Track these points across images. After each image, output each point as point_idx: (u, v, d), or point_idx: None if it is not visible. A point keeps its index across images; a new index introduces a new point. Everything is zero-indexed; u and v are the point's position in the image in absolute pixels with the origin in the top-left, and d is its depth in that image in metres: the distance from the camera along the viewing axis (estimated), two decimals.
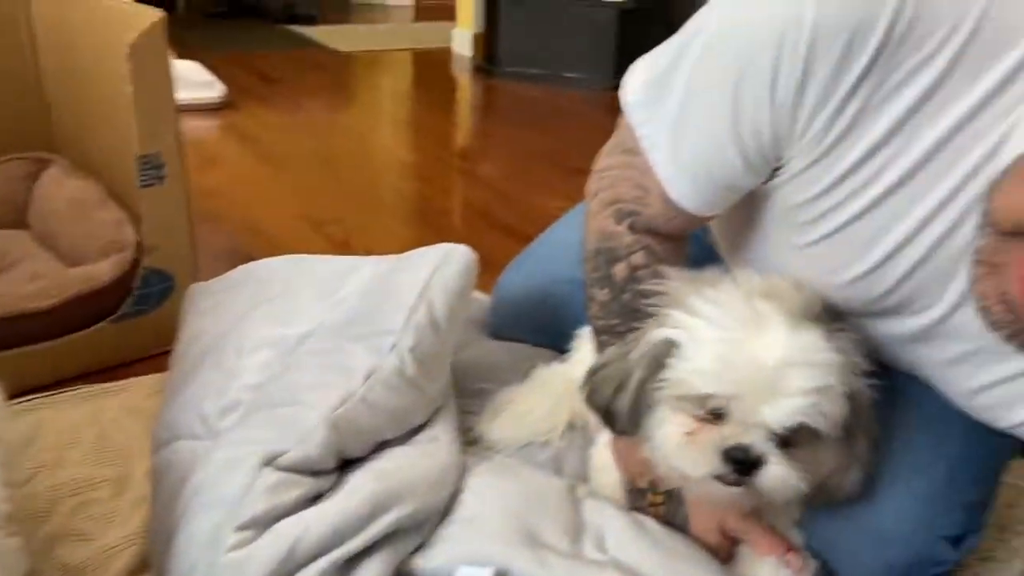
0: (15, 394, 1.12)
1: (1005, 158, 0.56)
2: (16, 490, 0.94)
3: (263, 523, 0.70)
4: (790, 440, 0.68)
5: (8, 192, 1.43)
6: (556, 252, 1.13)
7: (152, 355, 1.27)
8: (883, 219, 0.65)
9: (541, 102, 3.17)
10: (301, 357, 0.90)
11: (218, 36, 3.93)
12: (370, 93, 3.40)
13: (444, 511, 0.81)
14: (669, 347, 0.71)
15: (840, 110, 0.61)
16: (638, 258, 0.81)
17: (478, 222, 2.00)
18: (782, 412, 0.66)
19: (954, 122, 0.59)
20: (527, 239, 1.51)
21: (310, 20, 4.41)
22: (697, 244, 0.98)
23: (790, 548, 0.79)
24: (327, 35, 4.07)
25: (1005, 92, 0.57)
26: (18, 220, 1.44)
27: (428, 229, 1.92)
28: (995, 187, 0.52)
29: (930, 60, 0.57)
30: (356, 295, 0.98)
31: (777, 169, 0.70)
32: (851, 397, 0.69)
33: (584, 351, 1.01)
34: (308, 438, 0.77)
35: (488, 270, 1.10)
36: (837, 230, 0.68)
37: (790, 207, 0.71)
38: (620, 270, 0.83)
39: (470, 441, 0.96)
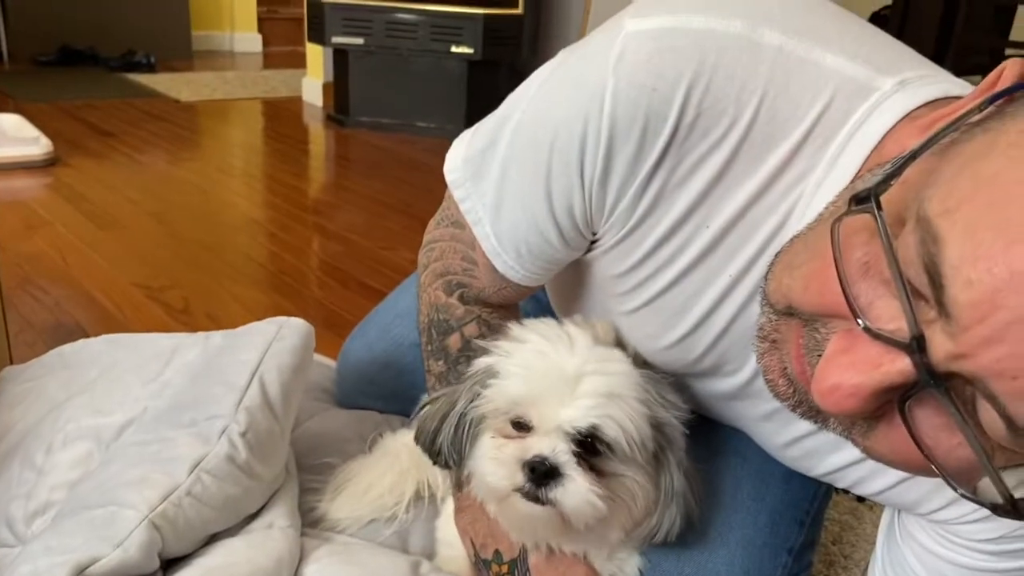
0: None
1: (787, 236, 0.61)
2: None
3: None
4: (591, 459, 0.70)
5: None
6: (401, 315, 1.12)
7: None
8: (690, 290, 0.68)
9: (393, 152, 3.18)
10: (121, 449, 0.84)
11: (47, 86, 3.70)
12: (214, 145, 3.28)
13: None
14: (490, 373, 0.73)
15: (642, 192, 0.65)
16: (471, 329, 0.82)
17: (329, 280, 1.96)
18: (575, 412, 0.69)
19: (744, 200, 0.64)
20: (378, 295, 1.50)
21: (148, 68, 4.24)
22: (536, 304, 1.00)
23: None
24: (167, 83, 3.92)
25: (785, 172, 0.62)
26: None
27: (278, 291, 1.86)
28: (769, 268, 0.56)
29: (717, 146, 0.62)
30: (182, 377, 0.93)
31: (593, 243, 0.72)
32: (657, 426, 0.72)
33: None
34: (126, 541, 0.72)
35: (339, 330, 1.08)
36: (650, 300, 0.71)
37: (608, 278, 0.74)
38: (454, 341, 0.83)
39: (311, 522, 0.93)
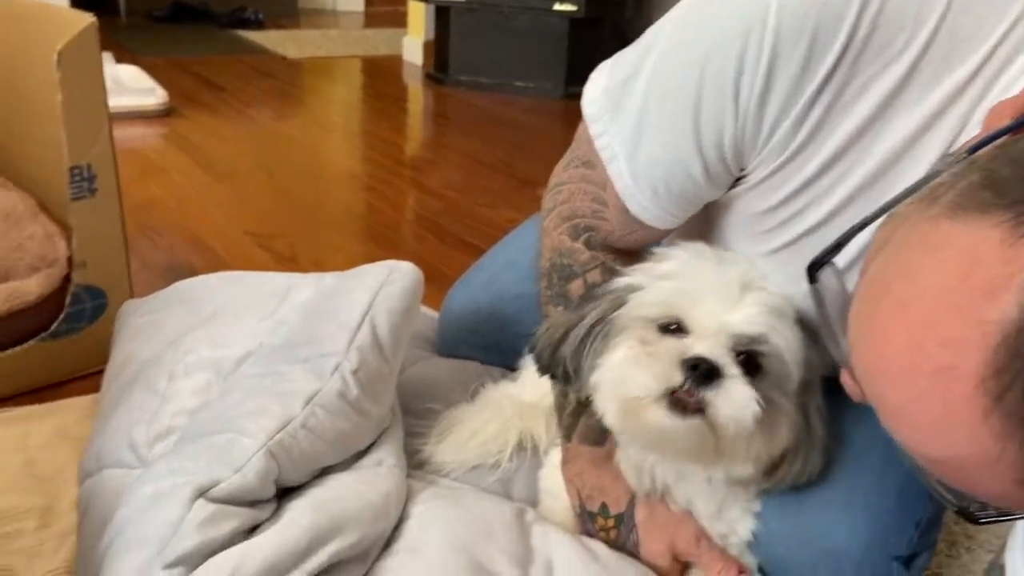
0: None
1: None
2: None
3: (194, 559, 0.67)
4: (749, 372, 0.67)
5: None
6: (505, 268, 1.11)
7: (85, 375, 1.21)
8: (845, 225, 0.65)
9: (492, 111, 3.16)
10: (238, 381, 0.87)
11: (162, 41, 3.83)
12: (318, 101, 3.34)
13: (387, 540, 0.78)
14: (631, 288, 0.72)
15: (803, 116, 0.61)
16: (594, 275, 0.80)
17: (427, 234, 1.97)
18: (743, 318, 0.67)
19: (915, 126, 0.59)
20: (477, 251, 1.50)
21: (257, 25, 4.34)
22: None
23: (742, 570, 0.78)
24: (274, 40, 4.00)
25: (961, 97, 0.58)
26: None
27: (377, 242, 1.89)
28: None
29: (890, 66, 0.57)
30: (296, 315, 0.95)
31: (739, 179, 0.69)
32: (806, 365, 0.69)
33: (535, 369, 0.99)
34: (245, 467, 0.74)
35: (437, 283, 1.08)
36: (799, 237, 0.68)
37: (751, 215, 0.70)
38: (576, 287, 0.81)
39: (416, 464, 0.94)
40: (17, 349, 1.16)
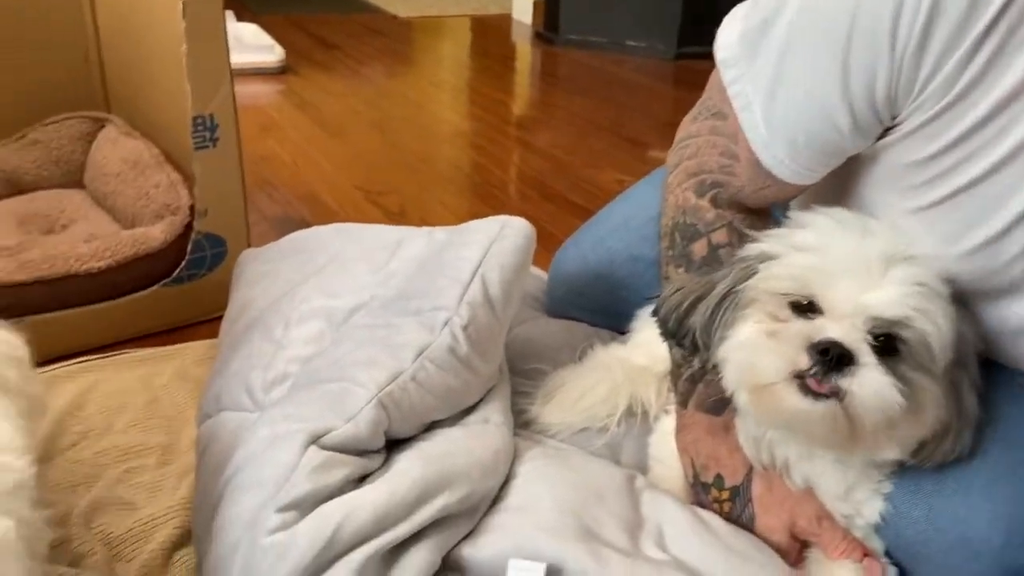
0: (68, 355, 1.12)
1: None
2: (61, 456, 0.94)
3: (306, 505, 0.67)
4: (884, 359, 0.61)
5: (65, 152, 1.43)
6: (618, 228, 1.07)
7: (205, 320, 1.26)
8: (1011, 178, 0.58)
9: (602, 71, 3.08)
10: (350, 331, 0.87)
11: None
12: (428, 60, 3.35)
13: (494, 498, 0.77)
14: (763, 257, 0.67)
15: (968, 59, 0.55)
16: (719, 235, 0.75)
17: (533, 193, 1.95)
18: (884, 298, 0.60)
19: None
20: (584, 212, 1.46)
21: None
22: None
23: (867, 553, 0.73)
24: (386, 0, 4.02)
25: None
26: (75, 180, 1.44)
27: (483, 200, 1.88)
28: None
29: None
30: (408, 268, 0.94)
31: (889, 128, 0.63)
32: (959, 341, 0.63)
33: (646, 332, 0.95)
34: (357, 416, 0.74)
35: (543, 243, 1.06)
36: (957, 192, 0.61)
37: (900, 168, 0.64)
38: (699, 248, 0.77)
39: (522, 424, 0.92)
40: (143, 293, 1.21)
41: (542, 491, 0.76)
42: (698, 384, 0.77)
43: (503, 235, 0.91)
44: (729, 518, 0.77)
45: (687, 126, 0.79)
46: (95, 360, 1.13)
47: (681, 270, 0.78)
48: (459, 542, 0.72)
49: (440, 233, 0.99)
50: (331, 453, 0.71)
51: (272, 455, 0.70)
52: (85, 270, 1.15)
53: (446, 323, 0.84)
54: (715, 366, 0.71)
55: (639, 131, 2.39)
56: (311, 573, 0.63)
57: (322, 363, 0.82)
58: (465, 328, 0.84)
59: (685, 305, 0.71)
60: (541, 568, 0.66)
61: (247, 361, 0.88)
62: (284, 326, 0.90)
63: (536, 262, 1.15)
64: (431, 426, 0.82)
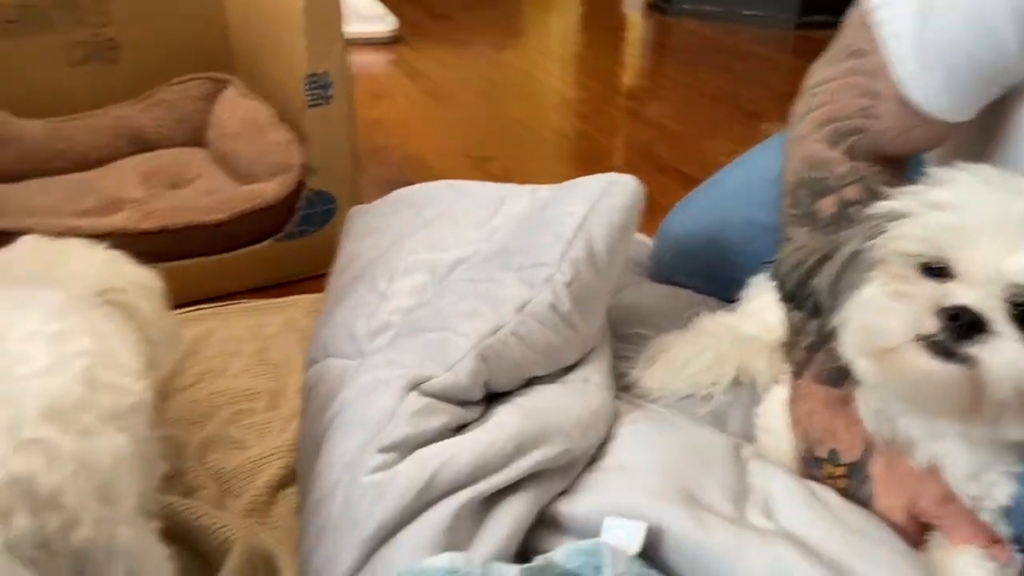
0: (186, 303, 1.17)
1: None
2: (178, 394, 0.98)
3: (405, 448, 0.67)
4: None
5: (188, 111, 1.49)
6: (732, 192, 1.03)
7: (312, 276, 1.29)
8: None
9: (717, 42, 2.98)
10: (453, 284, 0.87)
11: None
12: (538, 31, 3.33)
13: (592, 457, 0.76)
14: (892, 216, 0.62)
15: None
16: (852, 191, 0.70)
17: (641, 162, 1.90)
18: None
19: None
20: (693, 182, 1.41)
21: None
22: None
23: (995, 539, 0.67)
24: None
25: None
26: (197, 138, 1.50)
27: (589, 169, 1.83)
28: None
29: None
30: (512, 223, 0.93)
31: None
32: None
33: (759, 301, 0.91)
34: (456, 366, 0.74)
35: (651, 212, 1.03)
36: None
37: None
38: (827, 204, 0.72)
39: (623, 387, 0.90)
40: (256, 247, 1.25)
41: (642, 453, 0.74)
42: (816, 353, 0.73)
43: (610, 192, 0.89)
44: (843, 495, 0.73)
45: (819, 71, 0.74)
46: (211, 308, 1.18)
47: (804, 229, 0.73)
48: (555, 498, 0.71)
49: (544, 191, 0.98)
50: (431, 400, 0.71)
51: (374, 399, 0.71)
52: (205, 222, 1.20)
53: (547, 279, 0.82)
54: (834, 333, 0.66)
55: (754, 102, 2.29)
56: (409, 514, 0.64)
57: (424, 313, 0.82)
58: (568, 285, 0.82)
59: (808, 265, 0.66)
60: (641, 528, 0.64)
61: (352, 311, 0.89)
62: (389, 278, 0.91)
63: (641, 230, 1.12)
64: (530, 382, 0.81)
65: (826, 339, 0.68)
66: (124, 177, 1.39)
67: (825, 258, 0.65)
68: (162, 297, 0.81)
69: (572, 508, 0.69)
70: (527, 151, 1.94)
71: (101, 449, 0.52)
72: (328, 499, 0.67)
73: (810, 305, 0.67)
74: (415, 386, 0.72)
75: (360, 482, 0.65)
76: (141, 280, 0.78)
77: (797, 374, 0.76)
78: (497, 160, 1.84)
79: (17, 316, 0.55)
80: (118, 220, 1.17)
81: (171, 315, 0.81)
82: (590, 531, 0.67)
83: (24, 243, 0.78)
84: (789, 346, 0.78)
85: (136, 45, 1.46)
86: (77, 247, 0.78)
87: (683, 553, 0.65)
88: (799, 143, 0.74)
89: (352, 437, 0.69)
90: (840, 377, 0.71)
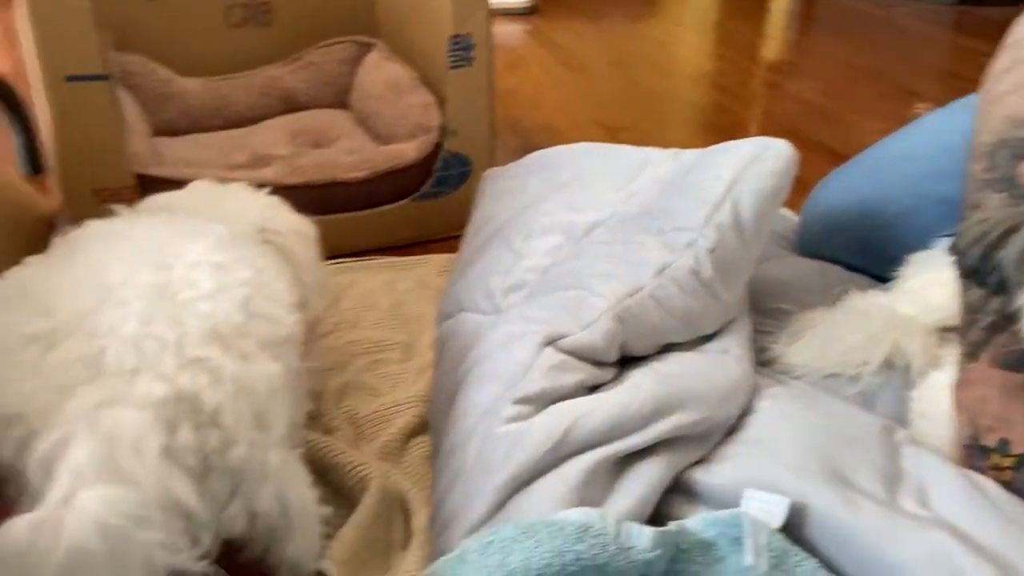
0: (326, 255, 1.21)
1: None
2: (317, 342, 1.02)
3: (541, 401, 0.67)
4: None
5: (335, 74, 1.54)
6: (895, 161, 0.96)
7: (446, 237, 1.30)
8: None
9: (869, 15, 2.80)
10: (589, 246, 0.85)
11: None
12: (675, 2, 3.23)
13: (730, 429, 0.73)
14: None
15: None
16: None
17: (784, 137, 1.81)
18: None
19: None
20: (839, 158, 1.33)
21: None
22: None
23: None
24: None
25: None
26: (341, 100, 1.55)
27: (726, 140, 1.79)
28: None
29: None
30: (652, 188, 0.90)
31: None
32: None
33: (920, 279, 0.85)
34: (593, 325, 0.73)
35: (794, 188, 0.98)
36: None
37: None
38: None
39: (763, 362, 0.86)
40: (392, 206, 1.27)
41: (785, 428, 0.71)
42: (997, 334, 0.67)
43: (761, 157, 0.85)
44: (1009, 488, 0.67)
45: None
46: (348, 263, 1.21)
47: (1000, 196, 0.67)
48: (690, 467, 0.69)
49: (688, 154, 0.94)
50: (566, 356, 0.70)
51: (510, 351, 0.71)
52: (346, 179, 1.24)
53: (689, 244, 0.80)
54: (1020, 312, 0.60)
55: (909, 80, 2.14)
56: (542, 466, 0.63)
57: (560, 272, 0.81)
58: (711, 251, 0.79)
59: (993, 237, 0.60)
60: (783, 503, 0.61)
61: (488, 267, 0.90)
62: (525, 236, 0.90)
63: (784, 205, 1.07)
64: (666, 348, 0.79)
65: (1010, 319, 0.62)
66: (273, 135, 1.45)
67: (1013, 229, 0.59)
68: (316, 244, 0.83)
69: (708, 478, 0.67)
70: (661, 122, 1.90)
71: (258, 375, 0.55)
72: (463, 447, 0.67)
73: (994, 281, 0.61)
74: (551, 342, 0.71)
75: (495, 431, 0.65)
76: (298, 226, 0.81)
77: (971, 356, 0.70)
78: (630, 131, 1.80)
79: (186, 244, 0.58)
80: (267, 174, 1.22)
81: (323, 262, 0.84)
82: (725, 502, 0.65)
83: (193, 186, 0.83)
84: (964, 326, 0.72)
85: (288, 9, 1.52)
86: (241, 190, 0.82)
87: (828, 533, 0.61)
88: (1000, 101, 0.68)
89: (487, 388, 0.69)
90: (1021, 361, 0.65)
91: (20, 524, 0.44)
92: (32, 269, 0.59)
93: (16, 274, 0.58)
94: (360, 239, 1.26)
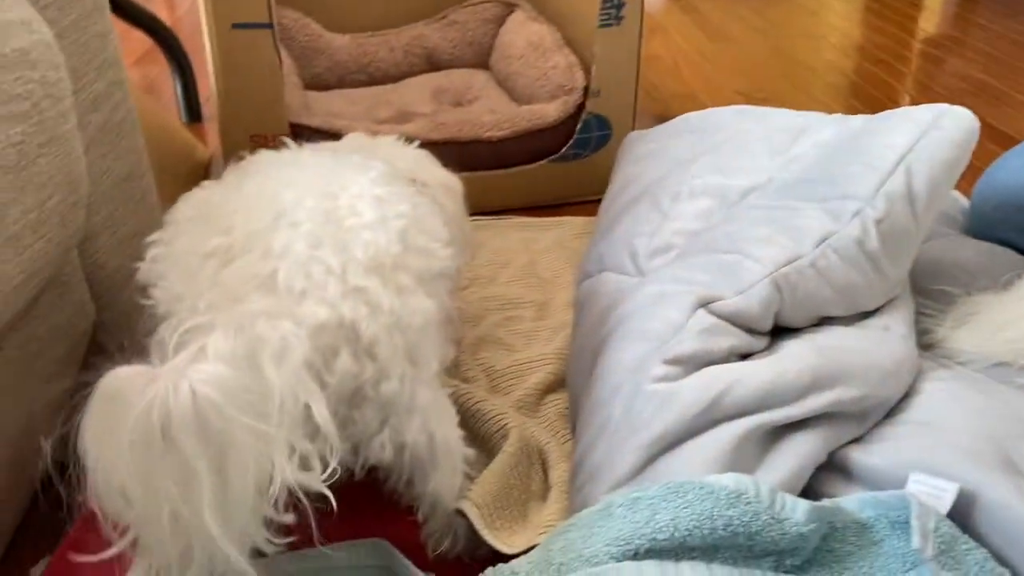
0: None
1: None
2: (455, 294, 1.03)
3: (692, 364, 0.65)
4: None
5: (478, 34, 1.54)
6: None
7: (581, 201, 1.29)
8: None
9: None
10: (744, 211, 0.82)
11: None
12: None
13: (891, 410, 0.69)
14: None
15: None
16: None
17: None
18: None
19: None
20: (1007, 140, 1.23)
21: None
22: None
23: None
24: None
25: None
26: (483, 61, 1.55)
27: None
28: None
29: None
30: (815, 152, 0.86)
31: None
32: None
33: None
34: (749, 290, 0.70)
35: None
36: None
37: None
38: None
39: (923, 345, 0.80)
40: (531, 166, 1.27)
41: (953, 412, 0.66)
42: None
43: (940, 124, 0.79)
44: None
45: None
46: (485, 220, 1.22)
47: None
48: (846, 445, 0.66)
49: (856, 120, 0.89)
50: (719, 320, 0.68)
51: (660, 311, 0.69)
52: (488, 137, 1.24)
53: (856, 213, 0.75)
54: None
55: None
56: (691, 429, 0.61)
57: (713, 236, 0.79)
58: (878, 222, 0.75)
59: None
60: (952, 488, 0.57)
61: (632, 227, 0.88)
62: (672, 198, 0.88)
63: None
64: (823, 321, 0.75)
65: None
66: (415, 93, 1.47)
67: None
68: (462, 198, 0.84)
69: (867, 457, 0.64)
70: (809, 94, 1.80)
71: (413, 309, 0.55)
72: (608, 403, 0.66)
73: None
74: (704, 304, 0.69)
75: (644, 389, 0.64)
76: (446, 180, 0.82)
77: None
78: (774, 101, 1.72)
79: (350, 175, 0.60)
80: (410, 129, 1.24)
81: (469, 218, 0.85)
82: (883, 484, 0.62)
83: (349, 137, 0.85)
84: None
85: None
86: (392, 142, 0.84)
87: (999, 524, 0.57)
88: None
89: (635, 346, 0.68)
90: None
91: (124, 371, 0.43)
92: (210, 191, 0.61)
93: (196, 196, 0.61)
94: (496, 198, 1.26)
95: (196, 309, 0.52)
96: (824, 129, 0.89)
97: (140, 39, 1.60)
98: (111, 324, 0.77)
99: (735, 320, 0.69)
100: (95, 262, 0.74)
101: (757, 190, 0.85)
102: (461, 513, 0.64)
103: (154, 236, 0.58)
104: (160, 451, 0.43)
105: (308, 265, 0.53)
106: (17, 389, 0.60)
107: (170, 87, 1.62)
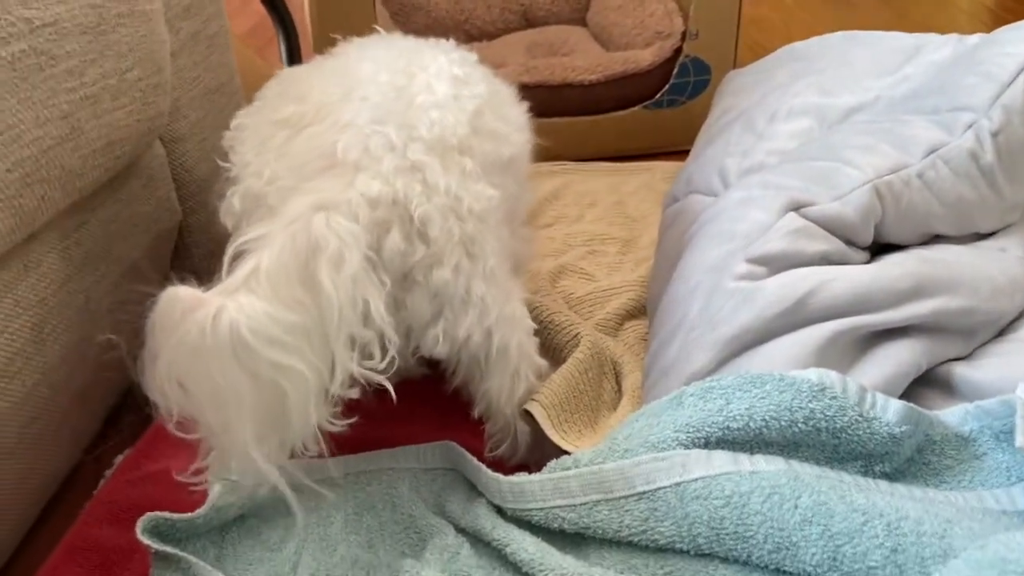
0: (551, 158, 1.20)
1: None
2: (537, 232, 1.01)
3: (778, 264, 0.61)
4: None
5: None
6: None
7: (676, 151, 1.25)
8: None
9: None
10: (847, 126, 0.76)
11: None
12: None
13: (1001, 331, 0.62)
14: None
15: None
16: None
17: None
18: None
19: None
20: None
21: None
22: None
23: None
24: None
25: None
26: (579, 17, 1.53)
27: None
28: None
29: None
30: (928, 68, 0.79)
31: None
32: None
33: None
34: (847, 196, 0.65)
35: None
36: None
37: None
38: None
39: None
40: (624, 112, 1.24)
41: None
42: None
43: None
44: None
45: None
46: (571, 165, 1.20)
47: None
48: (949, 361, 0.60)
49: (974, 37, 0.82)
50: (811, 224, 0.63)
51: (746, 212, 0.65)
52: (580, 81, 1.21)
53: (970, 125, 0.68)
54: None
55: None
56: (774, 328, 0.57)
57: (810, 147, 0.74)
58: (995, 135, 0.68)
59: None
60: None
61: (724, 148, 0.83)
62: (769, 119, 0.83)
63: None
64: (932, 240, 0.69)
65: None
66: (510, 48, 1.46)
67: None
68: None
69: (973, 371, 0.58)
70: None
71: (473, 195, 0.53)
72: (686, 300, 0.63)
73: None
74: (795, 207, 0.64)
75: (724, 286, 0.60)
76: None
77: None
78: None
79: (433, 56, 0.59)
80: (501, 73, 1.23)
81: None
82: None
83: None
84: None
85: None
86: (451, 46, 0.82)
87: None
88: None
89: (718, 246, 0.64)
90: None
91: (176, 292, 0.44)
92: (299, 69, 0.62)
93: (285, 73, 0.62)
94: (586, 145, 1.24)
95: (261, 176, 0.52)
96: (941, 48, 0.82)
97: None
98: (196, 228, 0.79)
99: (829, 226, 0.64)
100: (182, 165, 0.76)
101: (864, 109, 0.79)
102: (528, 415, 0.61)
103: (243, 109, 0.60)
104: (204, 370, 0.44)
105: (369, 138, 0.52)
106: (95, 267, 0.62)
107: (274, 43, 1.67)
